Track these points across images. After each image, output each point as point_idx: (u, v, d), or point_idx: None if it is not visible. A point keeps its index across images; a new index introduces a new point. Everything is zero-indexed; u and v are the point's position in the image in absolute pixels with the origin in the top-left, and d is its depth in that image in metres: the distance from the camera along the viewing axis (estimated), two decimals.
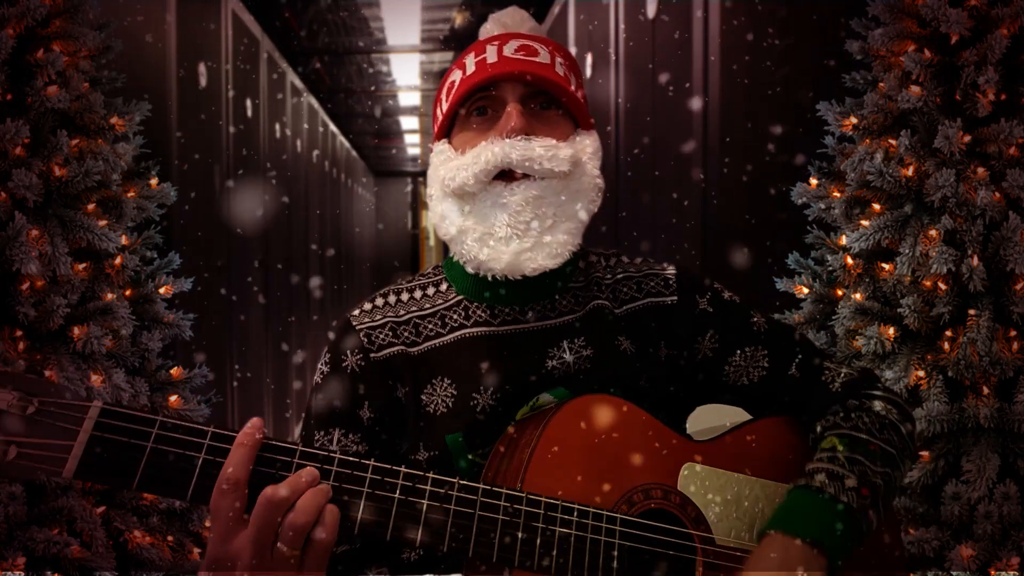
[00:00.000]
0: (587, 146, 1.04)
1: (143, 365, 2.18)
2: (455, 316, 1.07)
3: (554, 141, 1.00)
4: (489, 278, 1.01)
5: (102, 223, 2.10)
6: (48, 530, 1.93)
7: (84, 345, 2.00)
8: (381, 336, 1.06)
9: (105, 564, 1.99)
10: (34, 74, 2.00)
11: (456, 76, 1.05)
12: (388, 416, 1.04)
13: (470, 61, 1.04)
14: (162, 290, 2.24)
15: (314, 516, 0.78)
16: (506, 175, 0.99)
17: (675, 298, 1.10)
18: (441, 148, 1.05)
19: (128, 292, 2.17)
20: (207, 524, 2.23)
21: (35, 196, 1.96)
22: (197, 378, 2.27)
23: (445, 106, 1.06)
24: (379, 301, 1.10)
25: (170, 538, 2.14)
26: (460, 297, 1.08)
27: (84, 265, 2.08)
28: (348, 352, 1.05)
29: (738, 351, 1.09)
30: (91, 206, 2.10)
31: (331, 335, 1.10)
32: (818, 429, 1.03)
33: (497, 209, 0.98)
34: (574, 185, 1.01)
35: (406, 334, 1.06)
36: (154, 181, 2.28)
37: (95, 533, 1.99)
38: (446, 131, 1.07)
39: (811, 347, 1.12)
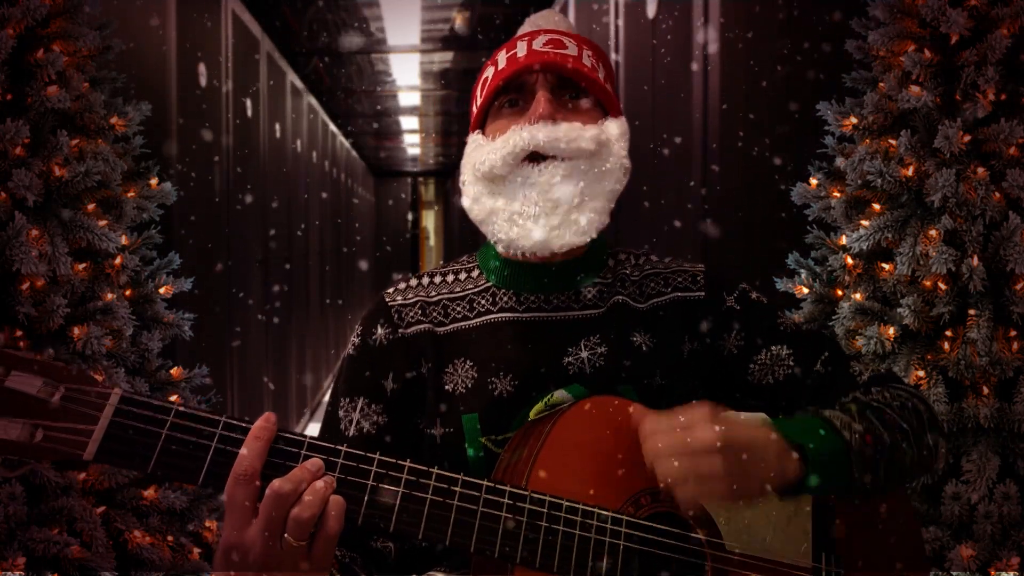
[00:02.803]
0: (614, 129, 1.06)
1: (143, 365, 2.18)
2: (483, 301, 1.11)
3: (580, 124, 1.03)
4: (519, 256, 1.04)
5: (102, 223, 2.10)
6: (48, 530, 1.93)
7: (84, 345, 2.00)
8: (410, 314, 1.10)
9: (105, 564, 1.99)
10: (34, 74, 2.00)
11: (489, 72, 1.10)
12: (410, 390, 1.08)
13: (502, 57, 1.09)
14: (162, 290, 2.24)
15: (319, 508, 0.80)
16: (535, 157, 1.02)
17: (702, 294, 1.12)
18: (474, 138, 1.10)
19: (128, 292, 2.17)
20: (207, 524, 2.23)
21: (35, 196, 1.96)
22: (197, 378, 2.27)
23: (479, 100, 1.10)
24: (412, 282, 1.15)
25: (170, 538, 2.14)
26: (490, 284, 1.12)
27: (84, 265, 2.08)
28: (378, 326, 1.10)
29: (763, 350, 1.09)
30: (91, 206, 2.10)
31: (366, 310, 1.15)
32: (837, 405, 1.03)
33: (526, 188, 1.01)
34: (600, 164, 1.03)
35: (435, 314, 1.10)
36: (154, 181, 2.28)
37: (95, 533, 1.99)
38: (480, 124, 1.11)
39: (838, 347, 1.13)
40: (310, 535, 0.80)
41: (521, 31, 1.15)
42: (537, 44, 1.07)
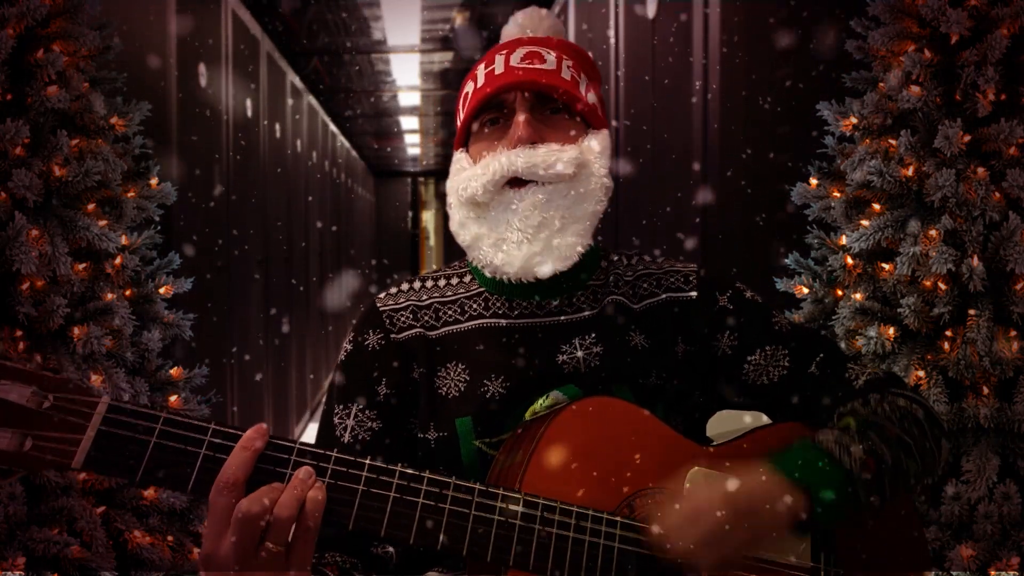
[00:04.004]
0: (594, 146, 1.06)
1: (143, 365, 2.18)
2: (475, 305, 1.11)
3: (559, 146, 1.02)
4: (506, 280, 1.05)
5: (102, 223, 2.10)
6: (48, 530, 1.93)
7: (84, 345, 2.00)
8: (402, 319, 1.11)
9: (105, 564, 1.99)
10: (34, 74, 2.00)
11: (469, 88, 1.10)
12: (404, 394, 1.08)
13: (480, 72, 1.08)
14: (162, 290, 2.24)
15: (295, 510, 0.79)
16: (516, 182, 1.02)
17: (694, 294, 1.11)
18: (458, 157, 1.10)
19: (128, 292, 2.17)
20: (206, 524, 2.23)
21: (35, 196, 1.96)
22: (197, 378, 2.27)
23: (461, 117, 1.10)
24: (404, 286, 1.15)
25: (170, 538, 2.14)
26: (481, 289, 1.12)
27: (84, 265, 2.08)
28: (370, 332, 1.10)
29: (758, 350, 1.09)
30: (91, 206, 2.09)
31: (357, 316, 1.15)
32: (835, 416, 1.02)
33: (508, 215, 1.02)
34: (580, 187, 1.03)
35: (426, 318, 1.10)
36: (154, 181, 2.28)
37: (95, 533, 1.99)
38: (464, 141, 1.11)
39: (834, 347, 1.12)
40: (288, 538, 0.79)
41: (507, 34, 1.15)
42: (515, 59, 1.06)
